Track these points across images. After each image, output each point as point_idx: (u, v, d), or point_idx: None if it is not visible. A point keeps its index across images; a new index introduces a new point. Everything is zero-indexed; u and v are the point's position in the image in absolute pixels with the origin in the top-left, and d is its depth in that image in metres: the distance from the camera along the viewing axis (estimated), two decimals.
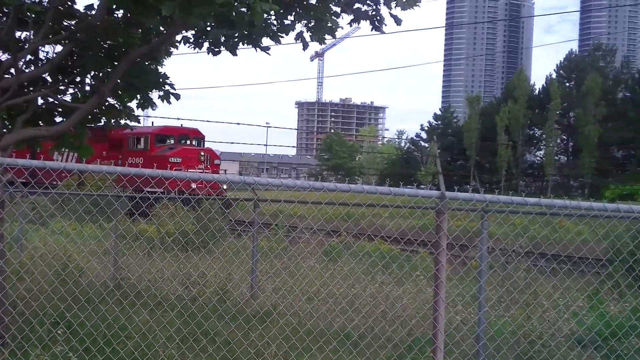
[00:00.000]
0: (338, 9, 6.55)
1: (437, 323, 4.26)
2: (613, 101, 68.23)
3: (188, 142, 32.65)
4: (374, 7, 6.57)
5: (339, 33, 6.98)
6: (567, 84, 73.98)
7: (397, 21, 6.66)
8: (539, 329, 6.24)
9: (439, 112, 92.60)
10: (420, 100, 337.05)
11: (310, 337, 5.60)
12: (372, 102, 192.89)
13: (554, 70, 77.79)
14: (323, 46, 7.40)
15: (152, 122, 34.46)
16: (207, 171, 29.44)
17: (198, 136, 33.43)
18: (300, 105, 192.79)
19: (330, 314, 6.49)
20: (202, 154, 30.64)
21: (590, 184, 66.98)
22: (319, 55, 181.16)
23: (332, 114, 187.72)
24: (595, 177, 66.92)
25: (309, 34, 6.77)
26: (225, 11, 5.30)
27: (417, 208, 5.79)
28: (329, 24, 6.55)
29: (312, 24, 6.59)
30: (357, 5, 6.58)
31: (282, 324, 5.98)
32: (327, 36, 6.84)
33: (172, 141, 31.67)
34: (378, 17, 6.66)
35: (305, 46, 6.99)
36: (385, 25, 6.76)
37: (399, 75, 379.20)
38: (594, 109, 65.99)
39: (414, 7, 6.20)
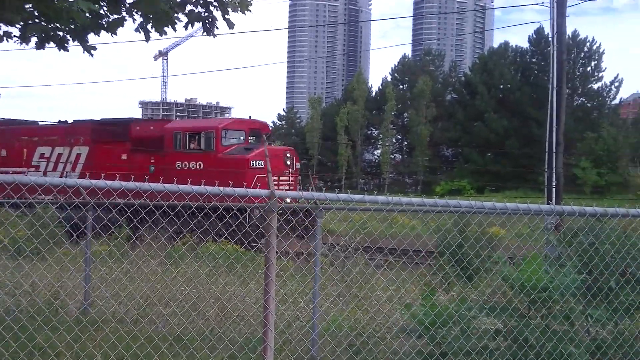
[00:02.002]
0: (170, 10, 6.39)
1: (268, 321, 4.27)
2: (442, 103, 72.16)
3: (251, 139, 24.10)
4: (206, 10, 6.49)
5: (182, 32, 6.82)
6: (401, 87, 77.30)
7: (230, 25, 6.64)
8: (377, 322, 6.43)
9: (282, 113, 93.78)
10: (266, 100, 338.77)
11: (152, 344, 5.42)
12: (217, 103, 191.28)
13: (390, 73, 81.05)
14: (167, 45, 7.17)
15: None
16: (292, 179, 22.43)
17: (268, 132, 25.65)
18: (144, 104, 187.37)
19: (172, 318, 6.32)
20: (288, 155, 22.95)
21: (423, 180, 70.54)
22: (162, 54, 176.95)
23: (178, 113, 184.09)
24: (427, 174, 70.57)
25: (149, 26, 6.56)
26: (43, 6, 4.99)
27: (247, 208, 5.76)
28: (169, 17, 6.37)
29: (151, 15, 6.39)
30: (189, 7, 6.47)
31: (122, 332, 5.74)
32: (171, 36, 6.65)
33: (242, 138, 23.21)
34: (210, 20, 6.59)
35: (147, 38, 6.76)
36: (217, 28, 6.72)
37: (245, 76, 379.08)
38: (425, 110, 69.44)
39: (246, 12, 6.20)
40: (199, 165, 22.03)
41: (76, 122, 26.33)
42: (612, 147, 54.18)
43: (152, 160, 22.93)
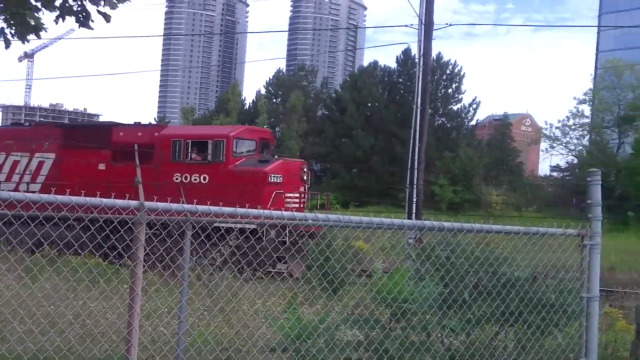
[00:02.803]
0: (39, 4, 6.09)
1: (131, 337, 4.13)
2: (313, 118, 73.19)
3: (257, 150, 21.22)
4: (80, 3, 6.24)
5: (51, 34, 6.50)
6: (275, 100, 77.72)
7: (106, 18, 6.42)
8: (243, 336, 6.38)
9: (154, 122, 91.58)
10: (136, 109, 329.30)
11: None
12: (85, 109, 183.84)
13: (264, 86, 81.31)
14: (33, 47, 6.83)
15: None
16: (305, 195, 20.13)
17: (272, 142, 22.62)
18: (4, 108, 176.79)
19: (28, 336, 5.95)
20: (305, 169, 20.26)
21: None
22: (28, 56, 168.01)
23: (41, 119, 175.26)
24: None
25: (11, 31, 6.20)
26: None
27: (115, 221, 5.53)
28: (32, 22, 6.06)
29: (13, 21, 6.04)
30: (59, 0, 6.20)
31: None
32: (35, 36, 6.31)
33: (253, 149, 20.24)
34: (84, 14, 6.34)
35: (7, 45, 6.39)
36: (93, 21, 6.48)
37: (115, 83, 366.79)
38: (296, 124, 70.12)
39: (120, 4, 6.02)
40: (204, 178, 19.04)
41: (39, 125, 23.43)
42: (467, 166, 57.06)
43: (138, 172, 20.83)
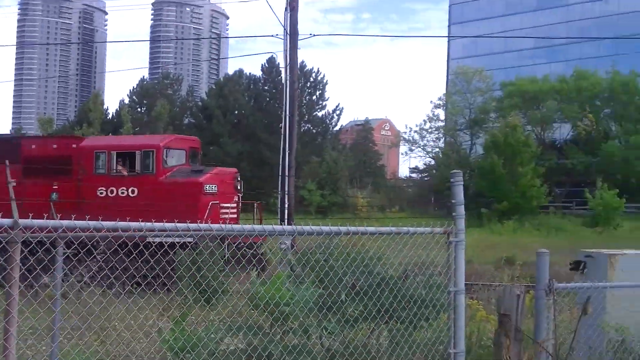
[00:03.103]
0: None
1: None
2: (180, 127, 71.99)
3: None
4: None
5: None
6: (139, 109, 75.76)
7: None
8: (114, 352, 6.21)
9: (9, 133, 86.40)
10: None
11: None
12: None
13: (128, 95, 79.02)
14: None
15: None
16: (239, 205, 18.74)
17: (199, 151, 20.61)
18: None
19: None
20: (238, 178, 18.91)
21: None
22: None
23: None
24: None
25: None
26: None
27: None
28: None
29: None
30: None
31: None
32: None
33: (183, 159, 18.82)
34: None
35: None
36: None
37: None
38: (162, 133, 68.67)
39: None
40: (132, 191, 17.61)
41: None
42: (333, 170, 58.32)
43: (54, 187, 17.99)
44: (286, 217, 15.67)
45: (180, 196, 16.89)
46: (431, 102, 77.12)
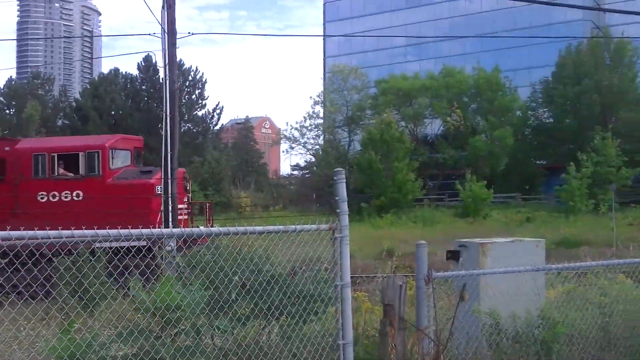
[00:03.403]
0: None
1: None
2: (53, 128, 68.85)
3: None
4: None
5: None
6: (8, 111, 71.73)
7: None
8: None
9: None
10: None
11: None
12: None
13: None
14: None
15: None
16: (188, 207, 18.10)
17: (142, 150, 19.75)
18: None
19: None
20: (188, 178, 18.64)
21: None
22: None
23: None
24: None
25: None
26: None
27: None
28: None
29: None
30: None
31: None
32: None
33: (129, 161, 17.89)
34: None
35: None
36: None
37: None
38: (35, 135, 65.44)
39: None
40: (77, 195, 16.56)
41: None
42: (215, 169, 57.79)
43: None
44: (170, 220, 15.44)
45: (130, 199, 16.23)
46: (311, 97, 78.11)
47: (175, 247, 11.49)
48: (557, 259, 16.45)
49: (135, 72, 67.98)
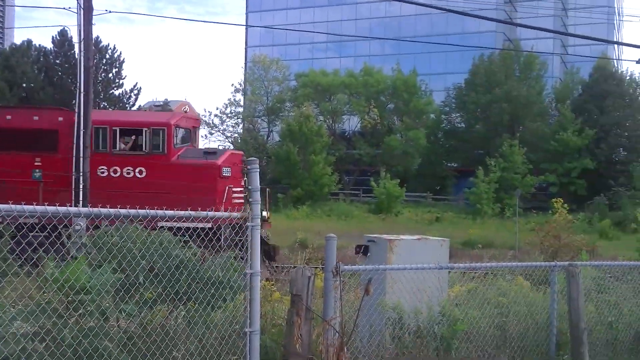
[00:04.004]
0: None
1: None
2: None
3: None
4: None
5: None
6: None
7: None
8: None
9: None
10: None
11: None
12: None
13: None
14: None
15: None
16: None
17: (198, 128, 18.80)
18: None
19: None
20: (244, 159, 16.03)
21: None
22: None
23: None
24: None
25: None
26: None
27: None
28: None
29: None
30: None
31: None
32: None
33: (188, 140, 17.17)
34: None
35: None
36: None
37: None
38: None
39: None
40: (140, 172, 15.87)
41: None
42: None
43: (37, 163, 15.88)
44: (81, 198, 14.95)
45: (195, 179, 15.76)
46: (232, 85, 77.25)
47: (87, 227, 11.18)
48: (461, 259, 17.04)
49: (49, 45, 65.26)
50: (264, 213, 17.28)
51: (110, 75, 64.72)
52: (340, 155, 56.99)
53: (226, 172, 16.40)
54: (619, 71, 61.61)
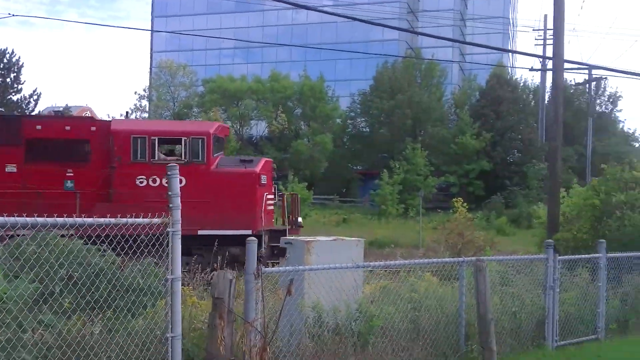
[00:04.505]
0: None
1: None
2: None
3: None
4: None
5: None
6: None
7: None
8: None
9: None
10: None
11: None
12: None
13: None
14: None
15: None
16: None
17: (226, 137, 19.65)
18: None
19: None
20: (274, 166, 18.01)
21: None
22: None
23: None
24: None
25: None
26: None
27: None
28: None
29: None
30: None
31: None
32: None
33: (221, 149, 17.33)
34: None
35: None
36: None
37: None
38: None
39: None
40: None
41: None
42: None
43: (69, 174, 15.60)
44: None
45: (234, 187, 15.78)
46: (135, 92, 75.51)
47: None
48: (372, 258, 17.37)
49: None
50: (299, 219, 17.87)
51: (8, 80, 61.84)
52: None
53: (263, 179, 16.52)
54: (513, 78, 64.66)
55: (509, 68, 71.69)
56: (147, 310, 6.00)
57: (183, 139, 16.28)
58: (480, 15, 75.46)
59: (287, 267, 6.86)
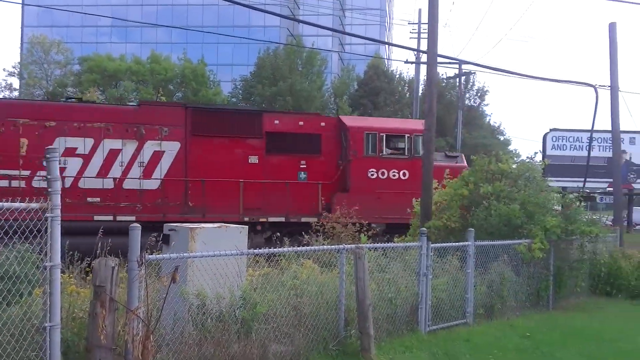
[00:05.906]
0: None
1: None
2: None
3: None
4: None
5: None
6: None
7: None
8: None
9: None
10: None
11: None
12: None
13: None
14: None
15: None
16: None
17: None
18: None
19: None
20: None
21: None
22: None
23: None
24: None
25: None
26: None
27: None
28: None
29: None
30: None
31: None
32: None
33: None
34: None
35: None
36: None
37: None
38: None
39: None
40: (404, 174, 17.86)
41: (151, 105, 18.51)
42: None
43: (302, 166, 17.61)
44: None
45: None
46: (4, 69, 70.65)
47: None
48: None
49: None
50: None
51: None
52: None
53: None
54: (390, 70, 66.55)
55: (386, 60, 73.75)
56: (23, 299, 5.73)
57: (406, 135, 18.15)
58: (358, 6, 76.93)
59: (170, 255, 6.76)
